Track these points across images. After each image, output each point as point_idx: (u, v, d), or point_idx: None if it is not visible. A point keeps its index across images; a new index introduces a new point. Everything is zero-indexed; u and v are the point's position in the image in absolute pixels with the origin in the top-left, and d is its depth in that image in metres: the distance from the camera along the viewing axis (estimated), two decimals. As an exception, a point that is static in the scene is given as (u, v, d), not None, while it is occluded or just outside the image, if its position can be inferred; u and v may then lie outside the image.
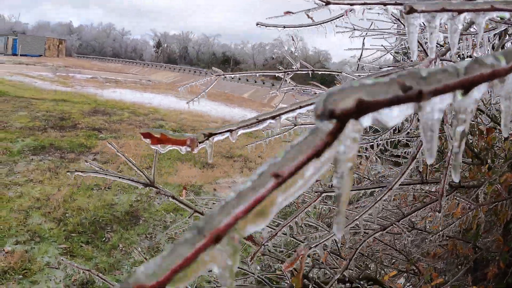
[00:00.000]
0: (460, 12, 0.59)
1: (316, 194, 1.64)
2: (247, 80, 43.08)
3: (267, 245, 1.72)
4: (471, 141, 3.69)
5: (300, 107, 0.90)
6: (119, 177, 1.63)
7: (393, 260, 3.36)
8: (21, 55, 57.19)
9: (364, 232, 2.82)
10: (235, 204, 0.25)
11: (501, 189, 2.71)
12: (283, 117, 0.88)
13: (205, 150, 0.88)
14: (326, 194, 1.66)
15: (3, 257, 5.84)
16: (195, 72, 53.02)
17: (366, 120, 0.29)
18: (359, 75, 2.37)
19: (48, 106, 17.94)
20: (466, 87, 0.34)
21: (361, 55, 3.94)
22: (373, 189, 1.94)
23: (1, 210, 7.28)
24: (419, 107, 0.33)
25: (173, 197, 1.62)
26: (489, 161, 3.18)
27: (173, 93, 28.59)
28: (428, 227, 3.16)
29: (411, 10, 0.58)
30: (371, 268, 3.12)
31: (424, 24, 0.65)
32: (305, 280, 1.67)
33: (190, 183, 10.11)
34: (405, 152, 4.08)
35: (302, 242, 2.54)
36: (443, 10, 0.60)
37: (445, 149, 3.79)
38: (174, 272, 0.24)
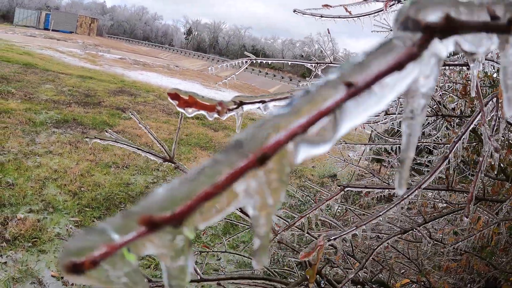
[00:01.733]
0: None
1: (338, 188, 1.57)
2: (275, 76, 42.92)
3: (284, 235, 1.66)
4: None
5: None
6: (138, 149, 1.58)
7: (402, 271, 3.28)
8: (52, 30, 57.85)
9: (378, 237, 2.75)
10: (288, 117, 0.18)
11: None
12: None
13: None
14: (349, 189, 1.59)
15: (15, 224, 5.89)
16: (223, 62, 52.91)
17: (450, 43, 0.23)
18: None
19: (74, 81, 18.10)
20: None
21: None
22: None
23: (18, 178, 7.34)
24: (506, 41, 0.26)
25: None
26: (514, 178, 3.07)
27: (199, 80, 28.64)
28: (444, 239, 3.07)
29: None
30: (383, 274, 3.05)
31: None
32: (318, 275, 1.60)
33: (208, 171, 10.07)
34: (429, 161, 3.97)
35: (317, 239, 2.48)
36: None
37: (472, 160, 3.69)
38: (196, 203, 0.17)
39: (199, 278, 1.30)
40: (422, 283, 2.87)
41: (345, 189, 1.57)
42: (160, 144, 1.52)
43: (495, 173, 3.25)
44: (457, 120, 3.15)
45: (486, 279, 3.10)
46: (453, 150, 1.47)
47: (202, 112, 0.78)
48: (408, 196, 1.18)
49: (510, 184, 2.99)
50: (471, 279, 3.24)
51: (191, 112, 0.80)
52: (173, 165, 1.56)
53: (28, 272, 4.97)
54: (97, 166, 8.74)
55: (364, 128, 3.23)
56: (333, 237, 1.07)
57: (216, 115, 0.80)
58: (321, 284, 1.56)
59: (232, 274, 1.31)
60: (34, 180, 7.43)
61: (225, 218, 2.88)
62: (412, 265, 2.88)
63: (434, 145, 3.43)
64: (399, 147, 3.06)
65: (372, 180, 3.70)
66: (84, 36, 61.28)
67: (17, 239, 5.56)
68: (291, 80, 41.17)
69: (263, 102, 0.80)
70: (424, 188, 1.70)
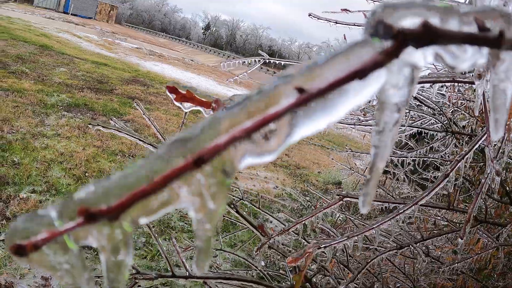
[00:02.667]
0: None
1: (337, 197, 1.55)
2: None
3: (276, 240, 1.64)
4: (504, 177, 3.53)
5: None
6: (140, 139, 1.57)
7: (398, 285, 3.25)
8: (72, 14, 58.14)
9: (376, 249, 2.72)
10: (231, 119, 0.17)
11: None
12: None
13: None
14: (348, 199, 1.56)
15: (17, 203, 5.92)
16: (238, 59, 53.11)
17: (427, 54, 0.21)
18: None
19: (89, 67, 18.19)
20: None
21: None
22: (395, 204, 1.84)
23: (24, 158, 7.38)
24: (496, 57, 0.24)
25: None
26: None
27: (213, 76, 28.67)
28: (442, 257, 3.04)
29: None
30: (377, 287, 3.02)
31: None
32: (307, 283, 1.59)
33: (213, 168, 10.07)
34: (434, 177, 3.93)
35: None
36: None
37: (477, 180, 3.65)
38: (133, 198, 0.17)
39: (187, 274, 1.29)
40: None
41: (344, 199, 1.55)
42: (162, 136, 1.52)
43: (500, 196, 3.21)
44: (466, 138, 3.12)
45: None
46: (455, 169, 1.45)
47: (199, 108, 0.78)
48: (403, 211, 1.16)
49: (512, 208, 2.96)
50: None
51: (188, 107, 0.79)
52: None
53: (25, 252, 5.00)
54: (103, 153, 8.77)
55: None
56: (323, 245, 1.06)
57: (212, 112, 0.79)
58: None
59: (220, 274, 1.30)
60: (39, 161, 7.47)
61: (224, 216, 2.87)
62: (408, 280, 2.85)
63: (441, 162, 3.40)
64: (404, 160, 3.03)
65: (376, 191, 3.68)
66: (102, 23, 61.61)
67: (17, 217, 5.59)
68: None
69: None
70: (423, 205, 1.68)
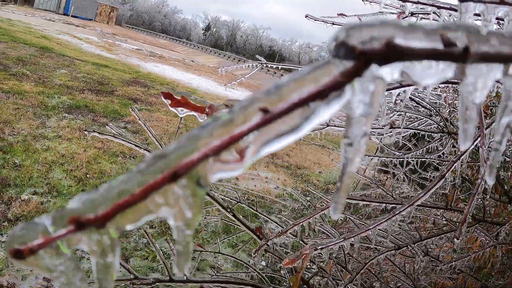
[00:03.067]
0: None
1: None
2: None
3: (274, 243, 1.66)
4: (502, 177, 3.55)
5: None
6: (136, 145, 1.59)
7: (399, 284, 3.27)
8: (72, 16, 58.14)
9: (375, 249, 2.74)
10: (204, 138, 0.19)
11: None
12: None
13: None
14: (347, 200, 1.58)
15: (18, 205, 5.95)
16: (239, 60, 53.30)
17: (393, 71, 0.23)
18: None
19: (89, 69, 18.22)
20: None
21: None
22: (394, 205, 1.85)
23: (25, 160, 7.41)
24: (462, 71, 0.26)
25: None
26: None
27: (214, 77, 28.71)
28: (442, 256, 3.06)
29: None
30: (377, 286, 3.04)
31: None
32: (305, 286, 1.60)
33: (214, 168, 10.09)
34: (433, 177, 3.94)
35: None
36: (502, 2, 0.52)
37: (476, 179, 3.66)
38: (117, 208, 0.19)
39: (185, 278, 1.31)
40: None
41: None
42: (157, 141, 1.54)
43: (498, 195, 3.23)
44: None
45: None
46: (451, 169, 1.47)
47: (194, 113, 0.79)
48: (400, 212, 1.18)
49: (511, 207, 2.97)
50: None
51: (183, 112, 0.81)
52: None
53: (27, 254, 5.03)
54: (104, 154, 8.80)
55: (370, 139, 3.22)
56: (319, 247, 1.08)
57: (206, 118, 0.81)
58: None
59: (218, 278, 1.31)
60: (41, 163, 7.50)
61: (222, 219, 2.89)
62: (408, 280, 2.87)
63: (439, 162, 3.42)
64: (402, 161, 3.05)
65: (376, 191, 3.69)
66: (102, 24, 61.68)
67: (19, 219, 5.62)
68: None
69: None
70: (420, 205, 1.69)
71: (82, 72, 16.96)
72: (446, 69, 0.26)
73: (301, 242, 1.96)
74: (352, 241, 1.15)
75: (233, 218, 1.28)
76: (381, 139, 3.16)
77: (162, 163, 0.18)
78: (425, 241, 2.93)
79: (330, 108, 0.21)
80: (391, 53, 0.22)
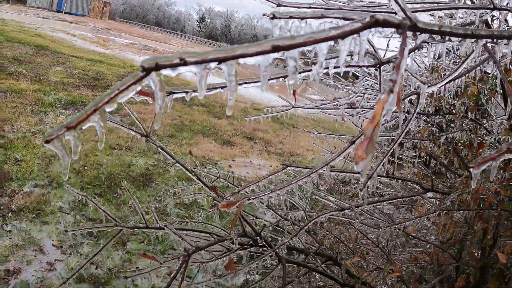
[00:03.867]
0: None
1: (282, 166, 1.91)
2: (284, 67, 43.11)
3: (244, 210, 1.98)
4: (467, 153, 3.87)
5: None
6: (121, 125, 1.92)
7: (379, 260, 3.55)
8: (65, 13, 58.12)
9: (349, 223, 3.06)
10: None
11: (470, 199, 2.86)
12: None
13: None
14: (291, 168, 1.92)
15: (21, 197, 6.32)
16: (232, 52, 53.18)
17: (166, 72, 0.57)
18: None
19: (84, 65, 18.51)
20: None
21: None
22: (351, 173, 2.16)
23: (26, 155, 7.77)
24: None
25: (161, 148, 1.91)
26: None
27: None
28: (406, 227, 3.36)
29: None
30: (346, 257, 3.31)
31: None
32: (257, 237, 1.95)
33: (208, 156, 10.44)
34: (407, 156, 4.27)
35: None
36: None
37: (442, 157, 3.98)
38: (82, 119, 0.53)
39: (158, 226, 1.66)
40: (390, 270, 3.11)
41: (287, 168, 1.90)
42: (139, 121, 1.86)
43: (464, 171, 3.56)
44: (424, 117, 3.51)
45: (456, 271, 3.37)
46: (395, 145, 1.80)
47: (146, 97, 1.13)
48: (317, 170, 1.51)
49: (468, 180, 3.22)
50: (440, 272, 3.51)
51: (139, 98, 1.15)
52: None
53: (31, 241, 5.40)
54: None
55: (336, 121, 3.50)
56: (252, 197, 1.41)
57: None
58: (258, 243, 1.91)
59: (183, 227, 1.65)
60: (41, 158, 7.86)
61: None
62: (382, 253, 3.13)
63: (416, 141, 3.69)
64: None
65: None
66: (96, 20, 61.66)
67: (22, 210, 5.99)
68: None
69: (186, 93, 1.12)
70: (333, 171, 2.02)
71: (77, 69, 17.26)
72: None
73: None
74: (279, 193, 1.49)
75: (188, 173, 1.61)
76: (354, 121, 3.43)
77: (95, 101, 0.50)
78: (382, 206, 3.29)
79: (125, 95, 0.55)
80: (158, 67, 0.56)
